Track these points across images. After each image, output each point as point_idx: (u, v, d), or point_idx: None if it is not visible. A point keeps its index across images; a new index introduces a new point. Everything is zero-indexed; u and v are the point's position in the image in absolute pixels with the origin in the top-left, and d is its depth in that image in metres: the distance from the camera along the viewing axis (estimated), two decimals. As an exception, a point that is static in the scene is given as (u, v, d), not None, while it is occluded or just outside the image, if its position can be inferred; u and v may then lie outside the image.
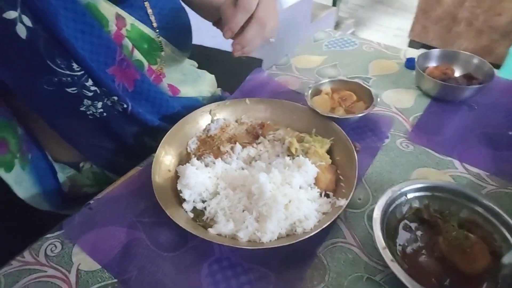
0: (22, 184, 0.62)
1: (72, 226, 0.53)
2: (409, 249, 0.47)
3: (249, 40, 0.56)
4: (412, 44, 2.57)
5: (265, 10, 0.54)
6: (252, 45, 0.57)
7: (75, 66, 0.54)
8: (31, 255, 0.50)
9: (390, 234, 0.48)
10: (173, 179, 0.58)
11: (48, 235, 0.52)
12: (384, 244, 0.43)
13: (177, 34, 0.68)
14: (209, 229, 0.50)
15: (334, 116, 0.64)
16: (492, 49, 2.22)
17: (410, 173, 0.60)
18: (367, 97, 0.69)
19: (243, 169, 0.59)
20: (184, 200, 0.55)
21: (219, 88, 0.89)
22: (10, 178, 0.60)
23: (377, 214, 0.47)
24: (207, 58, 1.06)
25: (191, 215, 0.54)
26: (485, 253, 0.44)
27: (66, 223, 0.54)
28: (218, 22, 0.77)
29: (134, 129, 0.67)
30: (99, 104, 0.59)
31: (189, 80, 0.76)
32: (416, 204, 0.51)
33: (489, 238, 0.47)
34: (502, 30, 2.14)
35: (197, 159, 0.60)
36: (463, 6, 2.20)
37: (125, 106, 0.61)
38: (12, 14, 0.48)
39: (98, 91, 0.58)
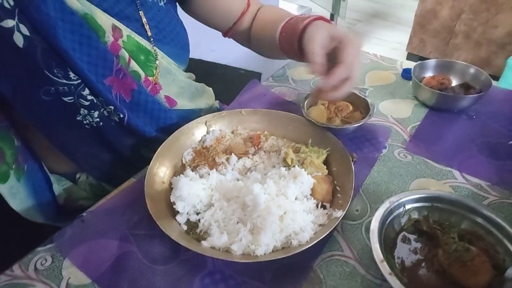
0: (16, 196, 0.61)
1: (63, 239, 0.52)
2: (408, 262, 0.45)
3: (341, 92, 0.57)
4: (410, 57, 2.59)
5: (357, 64, 0.56)
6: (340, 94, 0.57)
7: (72, 75, 0.54)
8: (20, 269, 0.49)
9: (388, 246, 0.47)
10: (167, 191, 0.57)
11: (39, 248, 0.51)
12: (382, 256, 0.42)
13: (174, 48, 0.68)
14: (202, 242, 0.49)
15: (331, 126, 0.63)
16: (490, 61, 2.23)
17: (409, 184, 0.59)
18: (363, 107, 0.69)
19: (238, 180, 0.58)
20: (178, 212, 0.53)
21: (217, 101, 0.89)
22: (4, 190, 0.59)
23: (374, 225, 0.45)
24: (206, 72, 1.06)
25: (185, 227, 0.53)
26: (487, 266, 0.42)
27: (57, 236, 0.53)
28: (228, 31, 0.78)
29: (131, 140, 0.67)
30: (96, 114, 0.59)
31: (187, 93, 0.76)
32: (415, 215, 0.50)
33: (492, 250, 0.45)
34: (500, 42, 2.15)
35: (192, 170, 0.60)
36: (460, 18, 2.22)
37: (121, 116, 0.61)
38: (9, 23, 0.48)
39: (95, 101, 0.58)
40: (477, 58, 2.26)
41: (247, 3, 0.74)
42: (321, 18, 0.62)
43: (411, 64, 0.85)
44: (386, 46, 2.90)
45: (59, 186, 0.70)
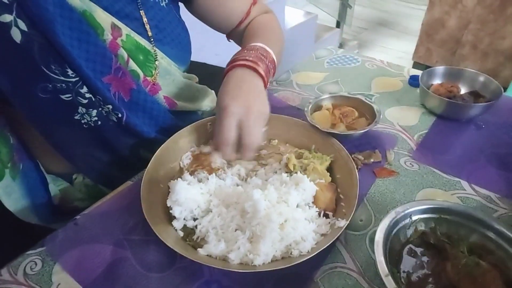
0: (11, 195, 0.60)
1: (54, 242, 0.51)
2: (414, 277, 0.43)
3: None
4: (416, 66, 2.58)
5: (250, 135, 0.52)
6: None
7: (70, 72, 0.53)
8: (8, 272, 0.47)
9: (393, 259, 0.44)
10: (165, 195, 0.55)
11: (29, 252, 0.50)
12: (387, 270, 0.40)
13: (174, 48, 0.67)
14: (199, 250, 0.47)
15: (335, 132, 0.62)
16: (497, 72, 2.21)
17: (415, 194, 0.57)
18: (369, 114, 0.67)
19: (238, 185, 0.56)
20: (174, 217, 0.52)
21: (220, 105, 0.88)
22: None
23: (379, 237, 0.43)
24: (210, 76, 1.05)
25: (181, 233, 0.51)
26: (498, 282, 0.40)
27: (49, 239, 0.51)
28: (230, 33, 0.77)
29: (129, 140, 0.66)
30: (94, 112, 0.58)
31: (187, 95, 0.74)
32: (421, 227, 0.48)
33: (502, 265, 0.43)
34: (507, 53, 2.13)
35: (190, 174, 0.58)
36: (467, 29, 2.21)
37: (119, 115, 0.60)
38: (7, 18, 0.48)
39: (93, 99, 0.57)
40: (484, 69, 2.24)
41: (246, 12, 0.73)
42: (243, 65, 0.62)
43: (418, 71, 0.84)
44: (391, 55, 2.89)
45: (55, 186, 0.68)
